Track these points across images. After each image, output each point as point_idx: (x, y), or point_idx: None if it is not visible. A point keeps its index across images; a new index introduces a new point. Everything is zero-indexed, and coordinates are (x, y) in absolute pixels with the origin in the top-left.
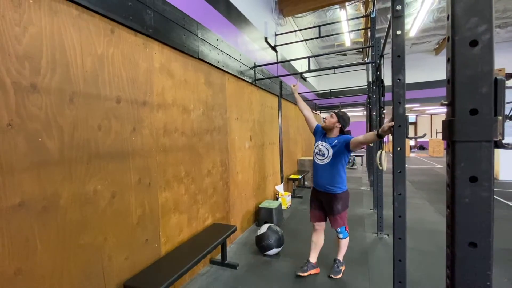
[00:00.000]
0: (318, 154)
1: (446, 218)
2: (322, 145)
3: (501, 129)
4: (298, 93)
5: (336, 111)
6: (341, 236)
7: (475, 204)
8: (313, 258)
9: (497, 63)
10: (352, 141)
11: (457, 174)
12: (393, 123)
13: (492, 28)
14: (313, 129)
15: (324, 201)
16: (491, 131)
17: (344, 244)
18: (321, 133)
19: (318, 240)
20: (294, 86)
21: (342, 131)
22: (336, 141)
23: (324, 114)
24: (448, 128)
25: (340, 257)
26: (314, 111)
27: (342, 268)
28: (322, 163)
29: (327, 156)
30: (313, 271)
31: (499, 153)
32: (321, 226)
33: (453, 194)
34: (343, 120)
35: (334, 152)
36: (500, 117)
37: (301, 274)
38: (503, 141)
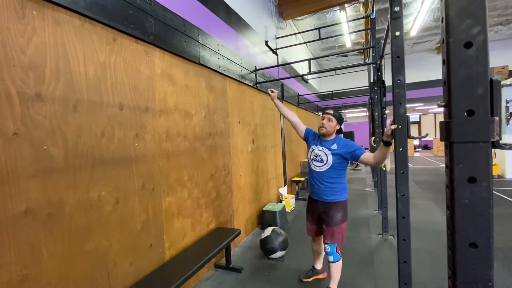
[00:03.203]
0: (315, 160)
1: (446, 219)
2: (318, 150)
3: (498, 129)
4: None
5: (330, 112)
6: (331, 259)
7: (474, 205)
8: (318, 265)
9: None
10: (362, 159)
11: (455, 175)
12: (395, 125)
13: (486, 30)
14: (303, 134)
15: (321, 211)
16: (488, 131)
17: (337, 268)
18: (314, 136)
19: (319, 248)
20: (272, 92)
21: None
22: (335, 145)
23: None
24: (446, 130)
25: (334, 285)
26: (316, 113)
27: None
28: (320, 170)
29: (326, 163)
30: (320, 276)
31: (504, 152)
32: (319, 237)
33: (452, 195)
34: (341, 119)
35: (335, 159)
36: (497, 118)
37: (305, 280)
38: (501, 141)
